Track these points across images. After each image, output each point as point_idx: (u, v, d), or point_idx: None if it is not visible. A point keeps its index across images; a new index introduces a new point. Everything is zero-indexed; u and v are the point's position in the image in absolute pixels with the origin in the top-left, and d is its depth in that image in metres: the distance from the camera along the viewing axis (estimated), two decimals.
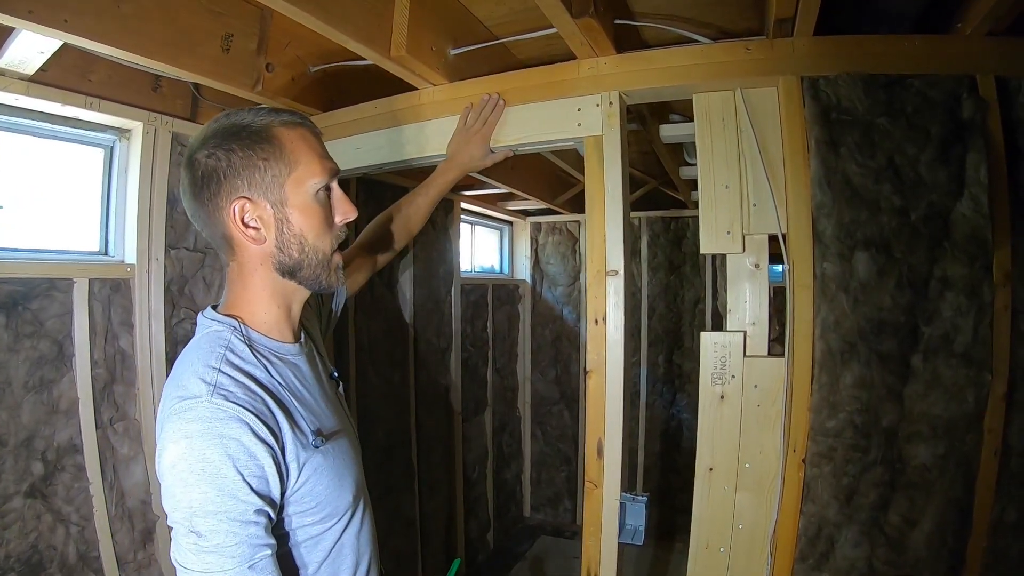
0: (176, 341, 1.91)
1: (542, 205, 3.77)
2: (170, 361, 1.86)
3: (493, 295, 4.07)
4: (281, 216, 0.96)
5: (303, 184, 0.96)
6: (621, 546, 1.51)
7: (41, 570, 1.65)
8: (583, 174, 1.56)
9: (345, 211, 1.03)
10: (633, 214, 4.03)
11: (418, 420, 3.05)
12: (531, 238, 4.55)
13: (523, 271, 4.58)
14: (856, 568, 1.42)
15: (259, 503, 0.84)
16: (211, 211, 0.96)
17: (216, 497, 0.81)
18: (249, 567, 0.82)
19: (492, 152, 1.64)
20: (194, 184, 0.96)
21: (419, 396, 3.06)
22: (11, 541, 1.58)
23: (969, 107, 1.32)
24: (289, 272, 1.00)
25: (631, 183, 3.50)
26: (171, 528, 0.85)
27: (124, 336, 1.82)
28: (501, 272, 4.58)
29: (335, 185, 1.03)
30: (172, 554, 0.84)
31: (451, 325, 3.42)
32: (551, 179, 3.53)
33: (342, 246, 1.10)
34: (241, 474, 0.83)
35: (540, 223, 4.50)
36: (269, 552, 0.85)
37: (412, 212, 1.64)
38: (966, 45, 1.35)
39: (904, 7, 1.40)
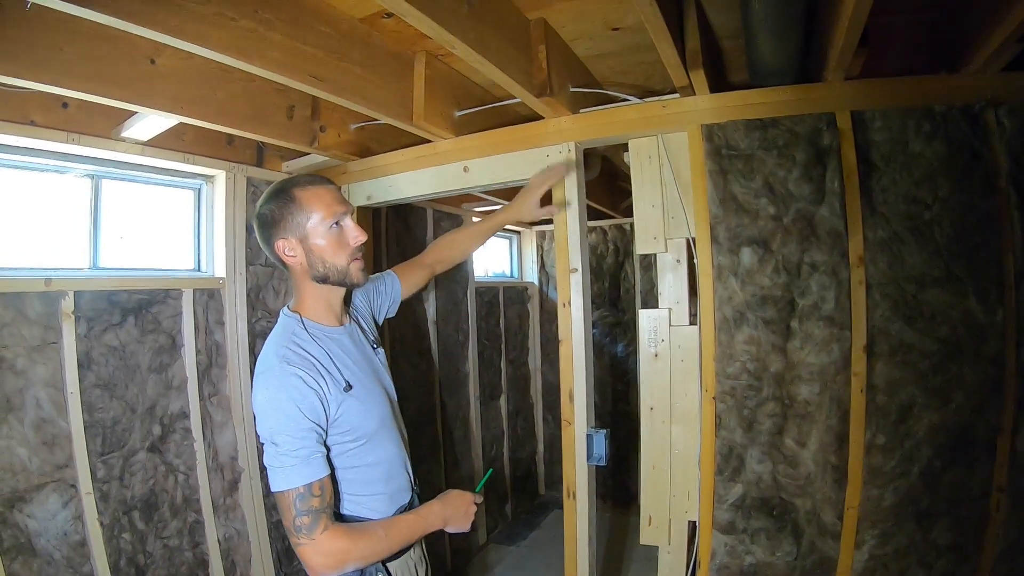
0: (256, 335, 2.44)
1: None
2: (252, 350, 2.41)
3: (504, 296, 4.53)
4: (307, 247, 1.37)
5: (317, 225, 1.36)
6: (591, 468, 1.96)
7: (156, 509, 2.13)
8: None
9: (355, 236, 1.41)
10: (627, 220, 4.46)
11: (442, 401, 3.54)
12: (537, 245, 4.96)
13: (531, 274, 4.99)
14: (763, 480, 1.83)
15: (310, 424, 1.27)
16: (270, 246, 1.40)
17: (284, 420, 1.25)
18: (306, 462, 1.25)
19: (539, 208, 1.90)
20: (259, 229, 1.42)
21: (442, 382, 3.54)
22: (136, 485, 2.07)
23: (828, 137, 1.74)
24: (321, 279, 1.40)
25: (625, 194, 3.98)
26: (263, 444, 1.29)
27: (218, 331, 2.36)
28: (511, 276, 5.01)
29: (347, 220, 1.41)
30: (264, 460, 1.28)
31: (468, 322, 3.91)
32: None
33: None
34: (299, 407, 1.25)
35: (544, 232, 4.93)
36: (320, 454, 1.27)
37: (464, 241, 2.00)
38: (827, 90, 1.75)
39: (782, 66, 1.74)
